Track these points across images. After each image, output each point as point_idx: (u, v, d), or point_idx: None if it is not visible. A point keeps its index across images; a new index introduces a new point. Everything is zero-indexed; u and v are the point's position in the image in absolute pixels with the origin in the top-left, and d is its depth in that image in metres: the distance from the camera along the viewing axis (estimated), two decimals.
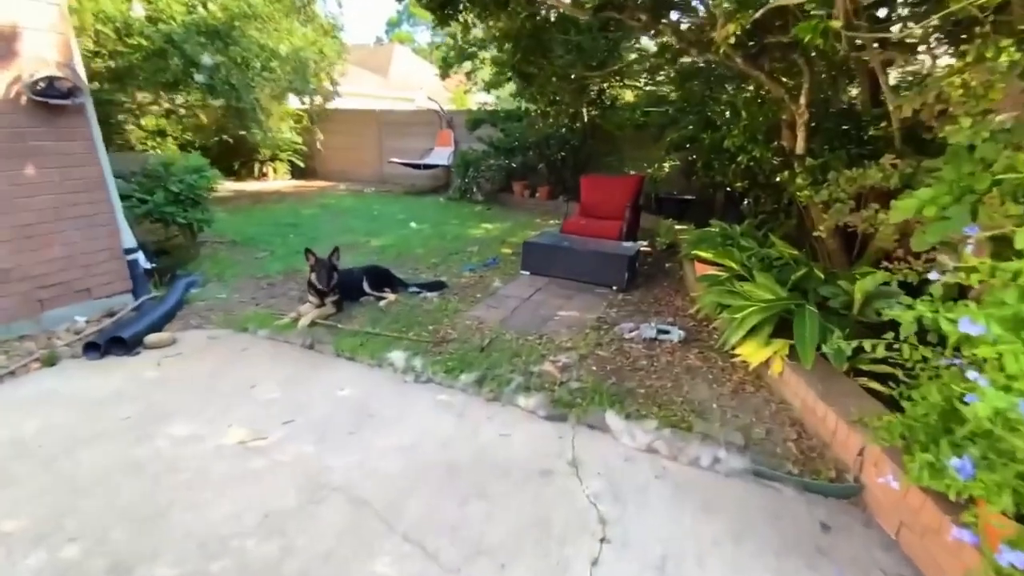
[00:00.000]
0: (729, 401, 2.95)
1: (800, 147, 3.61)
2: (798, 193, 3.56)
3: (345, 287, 4.26)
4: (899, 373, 2.12)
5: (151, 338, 3.42)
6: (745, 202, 5.01)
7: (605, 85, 8.46)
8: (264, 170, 12.42)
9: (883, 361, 2.47)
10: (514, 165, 9.65)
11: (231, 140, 11.77)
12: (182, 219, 4.86)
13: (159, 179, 4.76)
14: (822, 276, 3.38)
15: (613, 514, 2.12)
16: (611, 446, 2.58)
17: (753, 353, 3.15)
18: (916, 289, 2.01)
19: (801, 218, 4.40)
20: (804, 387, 2.72)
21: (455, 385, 3.07)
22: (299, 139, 12.35)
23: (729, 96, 4.67)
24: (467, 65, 9.56)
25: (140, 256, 4.27)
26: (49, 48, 3.40)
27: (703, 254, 4.13)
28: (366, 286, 4.41)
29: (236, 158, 12.51)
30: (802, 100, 3.40)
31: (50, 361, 3.19)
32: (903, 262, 2.11)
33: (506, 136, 9.45)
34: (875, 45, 2.86)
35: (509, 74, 7.69)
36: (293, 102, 11.54)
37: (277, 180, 12.46)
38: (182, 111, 10.66)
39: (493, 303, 4.40)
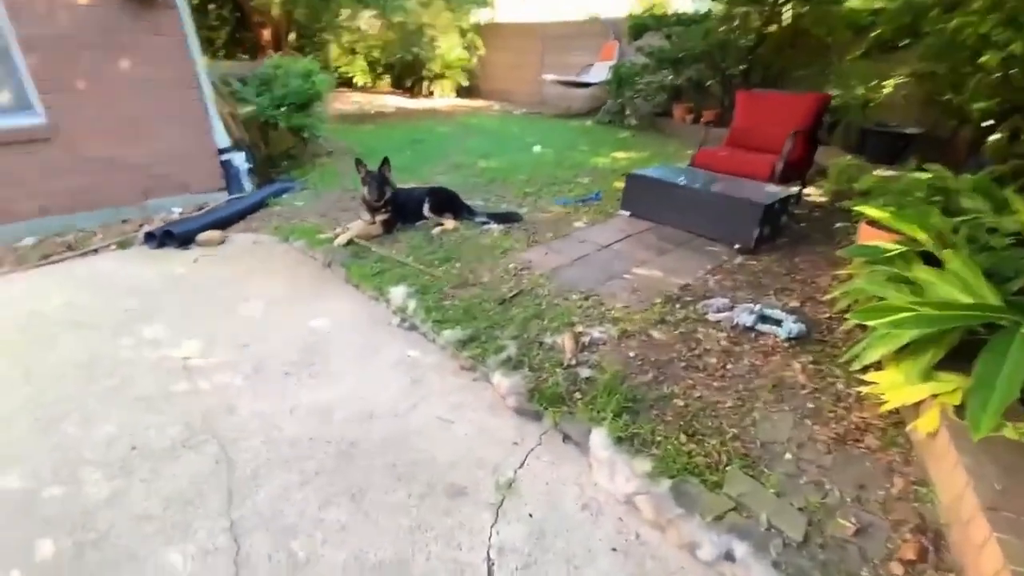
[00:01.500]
0: (820, 454, 1.79)
1: None
2: None
3: (404, 207, 3.87)
4: None
5: (203, 236, 3.53)
6: (991, 137, 3.01)
7: None
8: (431, 88, 12.61)
9: None
10: (679, 82, 7.92)
11: (410, 57, 12.17)
12: (284, 123, 4.95)
13: (269, 83, 4.86)
14: None
15: None
16: (577, 478, 1.74)
17: (895, 387, 1.86)
18: None
19: None
20: (965, 474, 1.45)
21: (437, 340, 2.48)
22: (467, 56, 12.14)
23: None
24: None
25: (237, 156, 4.45)
26: None
27: (873, 212, 2.61)
28: (426, 209, 3.94)
29: (412, 75, 12.97)
30: None
31: (123, 245, 3.50)
32: None
33: (672, 45, 7.70)
34: None
35: None
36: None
37: (441, 98, 12.57)
38: (362, 26, 11.20)
39: (559, 246, 3.56)
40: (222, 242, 3.56)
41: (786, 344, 2.45)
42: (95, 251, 3.43)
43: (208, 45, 11.02)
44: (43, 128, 3.43)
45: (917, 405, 1.81)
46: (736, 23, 7.29)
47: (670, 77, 7.93)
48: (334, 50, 12.77)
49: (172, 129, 3.96)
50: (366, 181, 3.65)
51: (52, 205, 3.60)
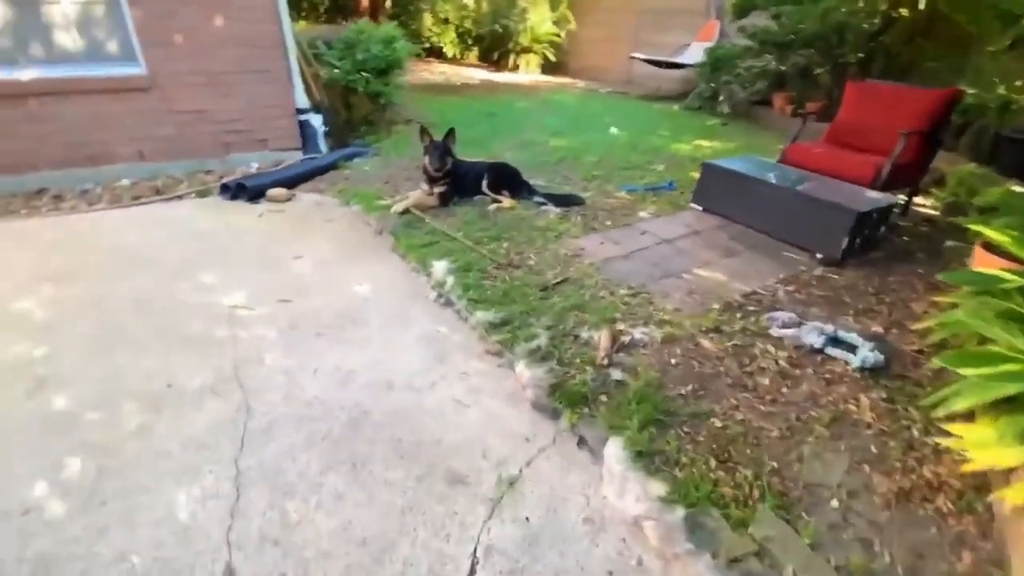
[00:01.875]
0: (876, 508, 1.54)
1: None
2: None
3: (463, 180, 3.81)
4: None
5: (273, 192, 3.68)
6: None
7: None
8: (517, 62, 12.40)
9: None
10: (783, 68, 7.17)
11: (500, 30, 12.04)
12: (363, 88, 5.03)
13: (352, 47, 4.94)
14: None
15: None
16: (585, 488, 1.62)
17: (985, 445, 1.55)
18: None
19: None
20: None
21: (469, 320, 2.41)
22: (556, 30, 11.79)
23: None
24: None
25: (315, 118, 4.59)
26: None
27: (992, 232, 2.18)
28: (485, 184, 3.86)
29: (500, 48, 12.82)
30: None
31: (202, 194, 3.74)
32: None
33: (780, 26, 6.96)
34: None
35: None
36: None
37: (527, 74, 12.34)
38: None
39: (617, 236, 3.36)
40: (289, 199, 3.71)
41: (857, 374, 2.14)
42: (179, 197, 3.70)
43: (312, 9, 11.52)
44: (143, 79, 3.70)
45: (1009, 471, 1.50)
46: (860, 3, 6.45)
47: (773, 62, 7.21)
48: (427, 19, 12.87)
49: (256, 87, 4.14)
50: (428, 150, 3.62)
51: (146, 151, 3.91)
